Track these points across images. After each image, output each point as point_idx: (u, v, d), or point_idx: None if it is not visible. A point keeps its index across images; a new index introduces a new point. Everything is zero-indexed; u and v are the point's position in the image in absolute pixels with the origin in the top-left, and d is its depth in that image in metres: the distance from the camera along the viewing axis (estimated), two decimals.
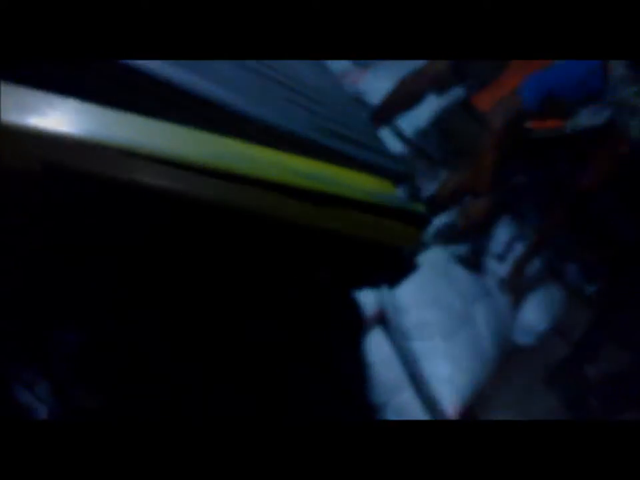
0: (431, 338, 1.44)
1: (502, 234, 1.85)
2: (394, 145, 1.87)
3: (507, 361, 1.66)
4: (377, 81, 1.86)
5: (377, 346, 1.43)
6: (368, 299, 1.46)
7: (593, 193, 1.50)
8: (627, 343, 1.77)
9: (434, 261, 1.52)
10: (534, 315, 1.81)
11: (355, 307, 1.41)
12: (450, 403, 1.37)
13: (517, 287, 1.73)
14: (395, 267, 0.93)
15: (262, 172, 0.60)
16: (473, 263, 1.67)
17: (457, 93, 1.75)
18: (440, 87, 1.69)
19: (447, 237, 1.57)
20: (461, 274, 1.60)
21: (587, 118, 1.33)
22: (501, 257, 1.80)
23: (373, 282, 0.95)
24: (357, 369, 1.40)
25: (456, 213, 1.53)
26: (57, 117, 0.44)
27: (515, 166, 1.74)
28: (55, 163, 0.44)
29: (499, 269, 1.80)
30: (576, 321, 1.89)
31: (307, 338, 1.24)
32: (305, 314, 1.02)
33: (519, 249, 1.83)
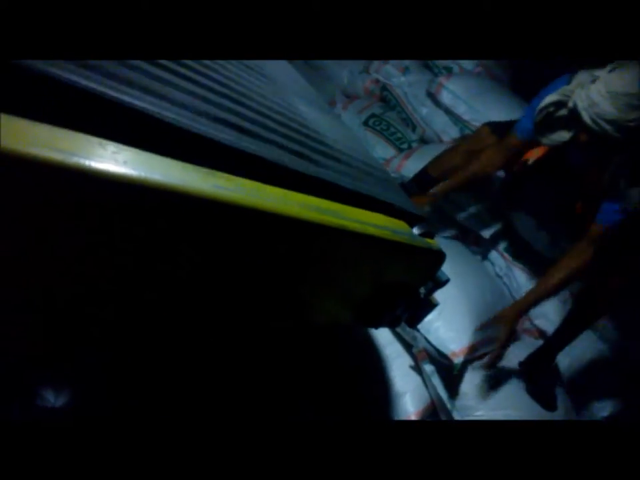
0: None
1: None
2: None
3: None
4: (419, 164, 1.97)
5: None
6: (385, 337, 1.47)
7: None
8: None
9: None
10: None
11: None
12: None
13: None
14: (412, 305, 0.94)
15: (283, 207, 0.59)
16: None
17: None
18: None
19: None
20: None
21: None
22: None
23: (392, 321, 0.94)
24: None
25: None
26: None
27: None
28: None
29: None
30: None
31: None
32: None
33: None
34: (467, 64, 2.44)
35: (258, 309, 0.74)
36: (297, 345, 1.25)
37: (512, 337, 1.43)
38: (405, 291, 0.90)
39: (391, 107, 2.41)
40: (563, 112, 1.31)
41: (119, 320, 0.57)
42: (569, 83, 1.33)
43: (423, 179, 1.82)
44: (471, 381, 1.44)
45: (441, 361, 1.42)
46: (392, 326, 0.97)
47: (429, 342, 1.41)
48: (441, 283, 0.95)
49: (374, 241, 0.74)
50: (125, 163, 0.45)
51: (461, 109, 2.21)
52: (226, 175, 0.57)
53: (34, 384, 0.96)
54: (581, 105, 1.23)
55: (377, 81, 2.49)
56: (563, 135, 1.35)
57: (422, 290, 0.94)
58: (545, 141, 1.39)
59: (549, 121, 1.35)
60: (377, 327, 0.96)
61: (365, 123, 2.31)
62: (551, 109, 1.33)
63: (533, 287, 1.48)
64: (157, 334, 0.63)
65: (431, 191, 1.73)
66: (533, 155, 1.62)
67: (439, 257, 0.89)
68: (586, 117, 1.22)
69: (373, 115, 2.34)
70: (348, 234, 0.69)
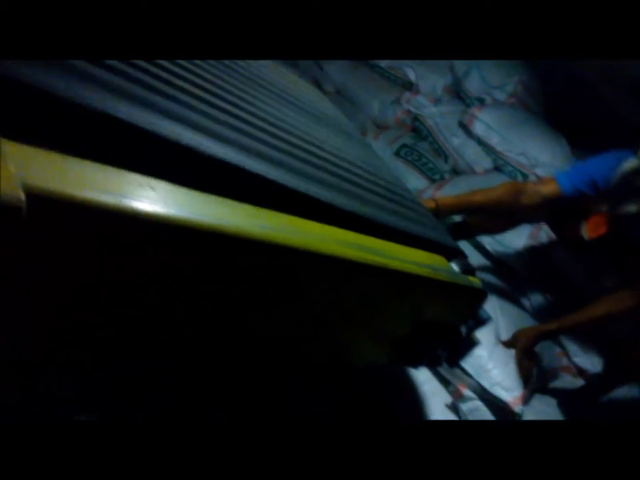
0: None
1: None
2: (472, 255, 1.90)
3: None
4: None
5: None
6: (423, 375, 1.43)
7: None
8: None
9: None
10: None
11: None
12: None
13: None
14: (452, 344, 0.91)
15: (324, 246, 0.58)
16: None
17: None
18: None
19: None
20: None
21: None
22: None
23: (431, 360, 0.92)
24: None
25: None
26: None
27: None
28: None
29: None
30: None
31: None
32: None
33: None
34: (499, 95, 2.43)
35: (296, 347, 0.73)
36: (333, 377, 1.23)
37: (527, 358, 1.39)
38: (446, 330, 0.87)
39: (422, 137, 2.41)
40: None
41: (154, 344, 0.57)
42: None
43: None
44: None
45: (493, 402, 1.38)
46: (431, 365, 0.94)
47: (484, 389, 1.36)
48: (482, 321, 0.92)
49: (415, 279, 0.72)
50: (167, 202, 0.44)
51: (494, 140, 2.19)
52: (268, 212, 0.56)
53: (49, 391, 0.96)
54: None
55: (409, 111, 2.49)
56: (633, 207, 1.29)
57: (463, 328, 0.92)
58: (613, 209, 1.34)
59: (624, 188, 1.30)
60: (416, 367, 0.94)
61: (397, 154, 2.30)
62: (631, 176, 1.28)
63: (573, 313, 1.40)
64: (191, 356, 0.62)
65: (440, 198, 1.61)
66: (590, 231, 1.51)
67: (481, 294, 0.87)
68: None
69: (404, 145, 2.33)
70: (389, 273, 0.68)
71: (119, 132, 0.47)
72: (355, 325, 0.76)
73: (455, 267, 0.87)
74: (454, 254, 0.90)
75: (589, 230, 1.47)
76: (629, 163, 1.28)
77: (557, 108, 2.47)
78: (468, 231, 1.74)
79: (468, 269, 0.88)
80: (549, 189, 1.42)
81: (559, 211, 1.53)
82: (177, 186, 0.48)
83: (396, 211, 0.88)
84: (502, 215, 1.55)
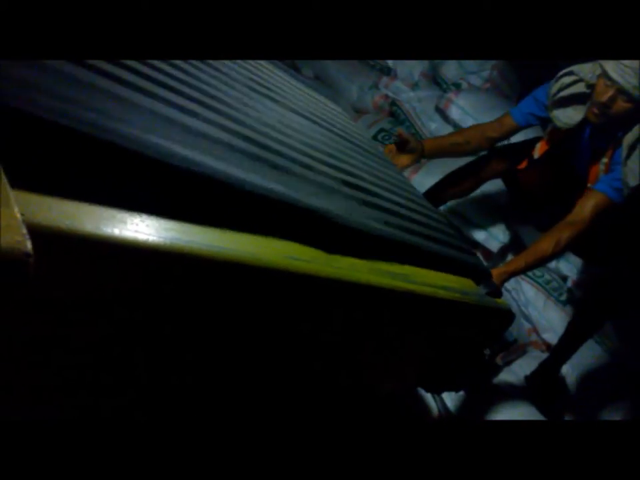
0: None
1: None
2: None
3: None
4: (426, 178, 1.98)
5: None
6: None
7: None
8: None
9: None
10: None
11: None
12: None
13: None
14: (476, 368, 0.90)
15: (349, 275, 0.56)
16: None
17: None
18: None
19: None
20: None
21: None
22: None
23: (455, 385, 0.90)
24: None
25: None
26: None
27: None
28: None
29: None
30: None
31: None
32: None
33: None
34: (475, 80, 2.47)
35: (320, 380, 0.71)
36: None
37: None
38: (470, 354, 0.86)
39: (400, 121, 2.43)
40: (580, 87, 1.34)
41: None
42: None
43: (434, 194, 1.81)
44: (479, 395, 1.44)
45: None
46: (454, 390, 0.91)
47: None
48: (508, 343, 0.90)
49: (444, 304, 0.72)
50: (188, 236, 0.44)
51: (469, 124, 2.23)
52: (294, 244, 0.54)
53: None
54: (609, 65, 1.23)
55: (386, 96, 2.52)
56: (575, 115, 1.37)
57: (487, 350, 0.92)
58: (556, 121, 1.42)
59: (562, 96, 1.38)
60: (439, 393, 0.92)
61: (374, 138, 2.33)
62: (567, 81, 1.36)
63: (522, 254, 1.42)
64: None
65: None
66: (539, 150, 1.62)
67: (508, 317, 0.85)
68: (613, 73, 1.22)
69: (382, 130, 2.36)
70: (419, 298, 0.67)
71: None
72: (382, 351, 0.75)
73: (482, 289, 0.86)
74: (481, 275, 0.88)
75: (539, 150, 1.62)
76: (561, 72, 1.39)
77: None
78: (438, 199, 1.80)
79: (494, 291, 0.87)
80: (505, 122, 1.61)
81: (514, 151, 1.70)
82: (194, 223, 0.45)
83: (426, 234, 0.85)
84: (469, 173, 1.74)
